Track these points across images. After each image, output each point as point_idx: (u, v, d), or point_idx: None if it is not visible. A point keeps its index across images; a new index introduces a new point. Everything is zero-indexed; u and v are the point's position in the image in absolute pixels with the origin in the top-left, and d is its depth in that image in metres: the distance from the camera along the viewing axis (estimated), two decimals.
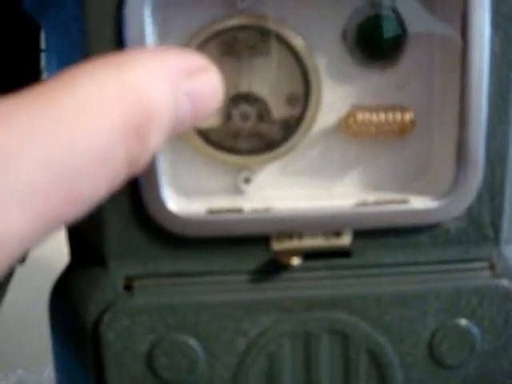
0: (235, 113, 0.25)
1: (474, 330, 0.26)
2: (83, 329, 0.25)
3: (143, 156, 0.18)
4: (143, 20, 0.22)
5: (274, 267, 0.25)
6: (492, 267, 0.26)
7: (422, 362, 0.26)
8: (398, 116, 0.25)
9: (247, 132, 0.25)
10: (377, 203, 0.25)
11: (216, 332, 0.25)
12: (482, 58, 0.23)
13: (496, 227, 0.26)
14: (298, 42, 0.24)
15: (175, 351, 0.25)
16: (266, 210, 0.25)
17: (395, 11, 0.24)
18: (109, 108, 0.16)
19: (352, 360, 0.26)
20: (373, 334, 0.25)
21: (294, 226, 0.25)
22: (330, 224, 0.25)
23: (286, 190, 0.26)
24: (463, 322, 0.26)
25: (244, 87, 0.25)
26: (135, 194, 0.24)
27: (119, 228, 0.25)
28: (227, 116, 0.25)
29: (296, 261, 0.24)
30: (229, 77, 0.23)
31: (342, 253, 0.25)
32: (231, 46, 0.24)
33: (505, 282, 0.26)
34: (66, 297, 0.27)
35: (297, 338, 0.25)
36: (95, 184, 0.16)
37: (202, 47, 0.24)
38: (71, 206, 0.16)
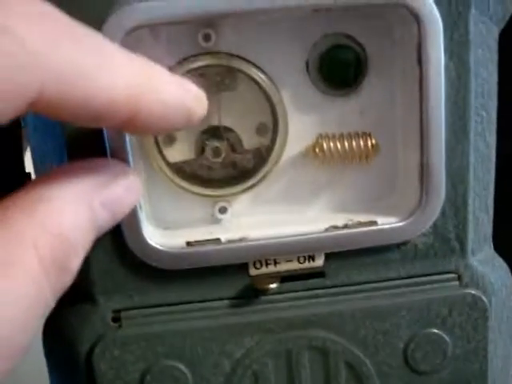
0: (208, 147, 0.26)
1: (446, 337, 0.27)
2: (77, 362, 0.27)
3: (68, 280, 0.17)
4: None
5: (253, 292, 0.27)
6: (459, 278, 0.27)
7: (397, 370, 0.28)
8: (362, 142, 0.26)
9: (220, 163, 0.27)
10: (346, 227, 0.26)
11: (202, 356, 0.27)
12: (439, 84, 0.24)
13: (461, 240, 0.27)
14: (261, 77, 0.25)
15: (165, 377, 0.27)
16: (242, 239, 0.26)
17: (354, 41, 0.25)
18: (26, 260, 0.16)
19: (332, 373, 0.27)
20: (350, 347, 0.27)
21: (270, 253, 0.26)
22: (303, 249, 0.26)
23: (259, 217, 0.27)
24: (435, 331, 0.27)
25: (214, 120, 0.26)
26: (116, 232, 0.25)
27: (103, 266, 0.26)
28: (200, 149, 0.26)
29: (273, 285, 0.26)
30: None
31: (317, 274, 0.27)
32: (199, 81, 0.25)
33: (472, 291, 0.27)
34: (58, 334, 0.28)
35: (279, 356, 0.27)
36: (24, 327, 0.16)
37: None
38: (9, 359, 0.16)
